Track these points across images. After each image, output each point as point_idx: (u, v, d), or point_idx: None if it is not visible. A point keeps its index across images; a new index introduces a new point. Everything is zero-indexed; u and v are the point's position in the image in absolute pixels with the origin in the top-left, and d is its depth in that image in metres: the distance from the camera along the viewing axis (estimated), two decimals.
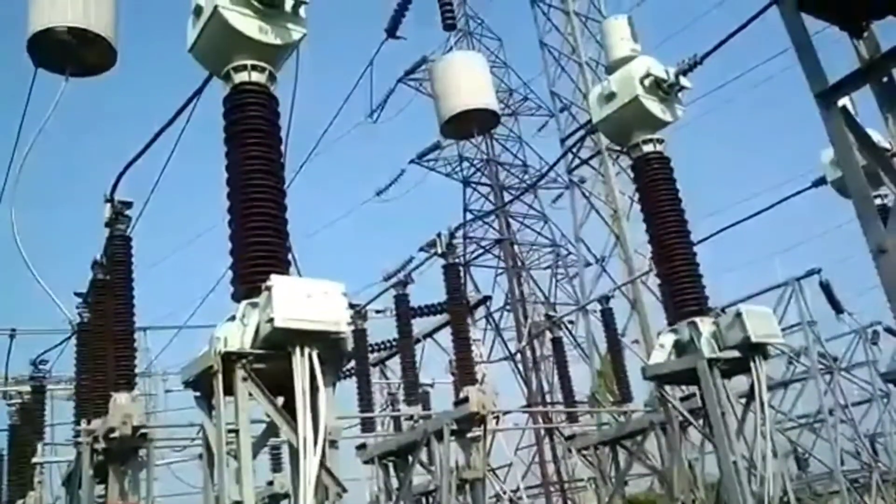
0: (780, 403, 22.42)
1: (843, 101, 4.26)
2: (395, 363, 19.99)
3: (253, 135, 5.67)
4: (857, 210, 3.96)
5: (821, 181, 10.73)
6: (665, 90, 7.83)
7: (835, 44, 4.55)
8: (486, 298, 25.71)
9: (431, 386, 18.87)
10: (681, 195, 7.88)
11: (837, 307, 21.27)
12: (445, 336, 15.16)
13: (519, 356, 29.29)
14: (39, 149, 8.37)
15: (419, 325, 17.85)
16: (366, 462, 12.86)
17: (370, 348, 17.39)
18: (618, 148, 21.12)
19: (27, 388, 14.65)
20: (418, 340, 16.78)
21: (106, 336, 9.07)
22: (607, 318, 14.56)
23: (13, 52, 8.57)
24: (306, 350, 4.98)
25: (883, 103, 4.14)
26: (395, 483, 12.27)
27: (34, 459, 12.48)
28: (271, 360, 5.05)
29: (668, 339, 7.47)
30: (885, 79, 4.13)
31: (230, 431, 4.96)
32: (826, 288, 20.78)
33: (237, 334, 5.05)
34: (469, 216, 31.85)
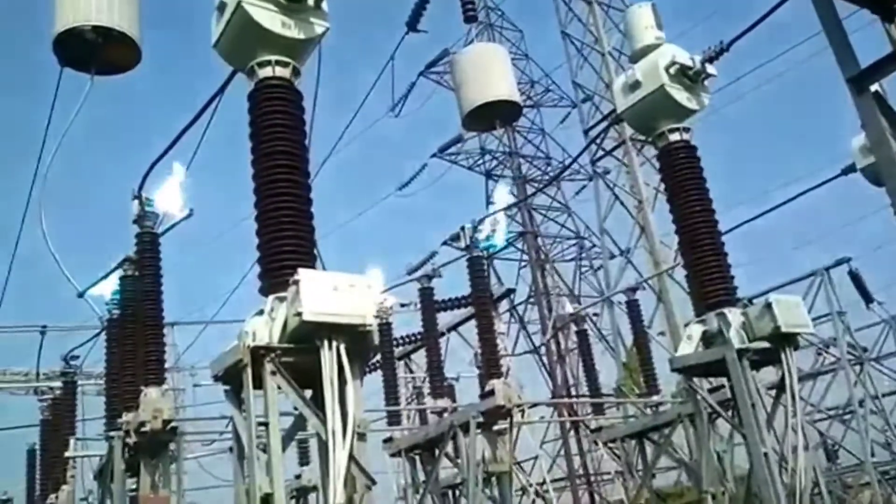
0: (809, 395, 22.16)
1: (875, 87, 4.17)
2: (419, 357, 20.03)
3: (277, 130, 5.68)
4: (892, 197, 3.88)
5: (850, 169, 10.53)
6: (691, 78, 7.74)
7: (866, 27, 4.48)
8: (510, 291, 25.65)
9: (457, 379, 18.89)
10: (708, 185, 7.79)
11: (867, 297, 20.94)
12: (470, 329, 15.16)
13: (544, 349, 29.21)
14: (68, 146, 8.48)
15: (443, 319, 17.87)
16: (393, 455, 12.91)
17: (395, 342, 17.43)
18: (641, 138, 20.92)
19: (58, 384, 14.90)
20: (443, 334, 16.78)
21: (136, 331, 9.19)
22: (633, 309, 14.47)
23: (43, 50, 8.67)
24: (334, 343, 5.00)
25: None
26: (421, 476, 12.31)
27: (66, 454, 12.67)
28: (299, 353, 5.07)
29: (696, 331, 7.40)
30: None
31: (259, 424, 5.00)
32: (856, 277, 20.46)
33: (265, 328, 5.08)
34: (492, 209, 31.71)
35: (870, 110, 3.99)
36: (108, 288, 10.43)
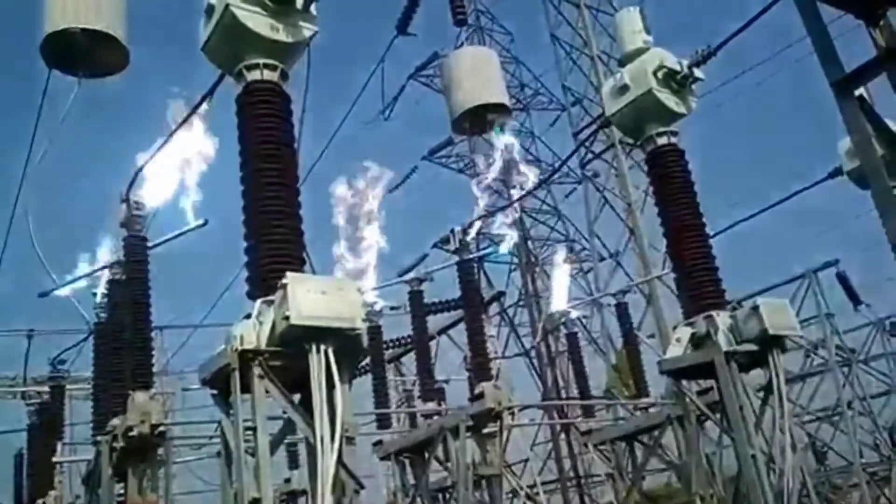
0: (797, 396, 22.24)
1: (860, 91, 4.20)
2: (409, 360, 20.00)
3: (265, 133, 5.68)
4: (876, 201, 3.91)
5: (837, 172, 10.58)
6: (678, 82, 7.77)
7: (851, 32, 4.51)
8: (500, 294, 25.66)
9: (447, 382, 18.87)
10: (696, 188, 7.82)
11: (855, 299, 21.06)
12: (460, 332, 15.15)
13: (534, 352, 29.21)
14: (55, 146, 8.45)
15: (434, 322, 17.85)
16: (382, 458, 12.88)
17: (385, 345, 17.39)
18: (631, 141, 20.99)
19: (46, 389, 14.80)
20: (433, 337, 16.77)
21: (124, 335, 9.14)
22: (622, 312, 14.51)
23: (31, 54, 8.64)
24: (322, 347, 4.99)
25: None
26: (411, 479, 12.28)
27: (54, 458, 12.58)
28: (288, 357, 5.06)
29: (685, 333, 7.42)
30: None
31: (248, 429, 4.98)
32: (843, 280, 20.58)
33: (253, 332, 5.07)
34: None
35: (854, 114, 4.02)
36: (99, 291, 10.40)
